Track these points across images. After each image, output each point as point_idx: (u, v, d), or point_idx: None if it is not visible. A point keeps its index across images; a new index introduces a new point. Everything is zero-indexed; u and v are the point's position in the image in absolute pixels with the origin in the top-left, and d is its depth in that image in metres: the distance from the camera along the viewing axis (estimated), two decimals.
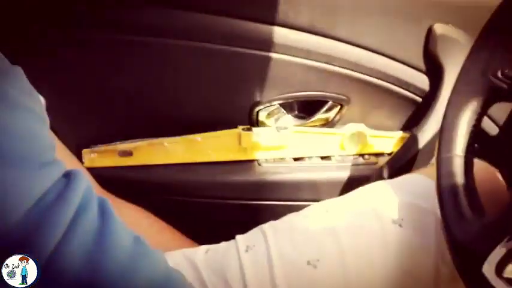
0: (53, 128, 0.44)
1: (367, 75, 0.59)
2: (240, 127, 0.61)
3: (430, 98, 0.60)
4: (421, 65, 0.59)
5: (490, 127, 0.60)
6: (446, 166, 0.39)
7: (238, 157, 0.62)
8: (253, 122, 0.62)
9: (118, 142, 0.61)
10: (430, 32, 0.57)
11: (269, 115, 0.62)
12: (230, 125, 0.61)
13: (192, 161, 0.62)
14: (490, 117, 0.59)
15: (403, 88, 0.60)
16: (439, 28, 0.56)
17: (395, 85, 0.60)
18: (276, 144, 0.62)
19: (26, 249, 0.24)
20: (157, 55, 0.55)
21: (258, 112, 0.61)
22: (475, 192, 0.36)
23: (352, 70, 0.59)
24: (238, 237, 0.46)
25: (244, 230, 0.50)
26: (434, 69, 0.58)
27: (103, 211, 0.28)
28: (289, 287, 0.40)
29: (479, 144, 0.59)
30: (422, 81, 0.60)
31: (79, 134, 0.61)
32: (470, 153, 0.39)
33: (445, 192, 0.38)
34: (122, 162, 0.61)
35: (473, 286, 0.31)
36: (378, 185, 0.48)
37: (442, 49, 0.56)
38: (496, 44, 0.39)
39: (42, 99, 0.42)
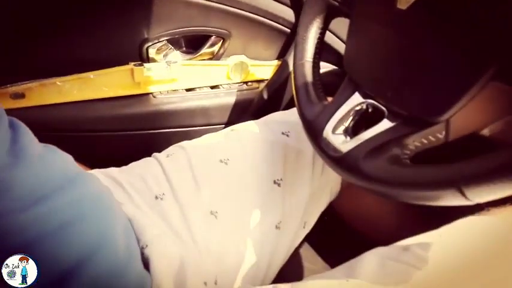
0: None
1: (244, 10, 0.67)
2: (132, 63, 0.65)
3: (295, 28, 0.70)
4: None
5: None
6: (299, 69, 0.49)
7: (132, 92, 0.67)
8: (144, 59, 0.67)
9: (8, 85, 0.61)
10: None
11: (158, 51, 0.67)
12: (122, 63, 0.65)
13: (86, 98, 0.65)
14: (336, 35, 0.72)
15: (274, 21, 0.70)
16: None
17: (268, 19, 0.69)
18: (168, 77, 0.68)
19: None
20: None
21: (147, 49, 0.66)
22: (320, 86, 0.48)
23: (230, 6, 0.66)
24: (155, 153, 0.53)
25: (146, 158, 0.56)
26: (296, 3, 0.69)
27: (13, 125, 0.33)
28: (208, 181, 0.49)
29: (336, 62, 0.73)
30: (289, 14, 0.70)
31: None
32: (317, 59, 0.50)
33: (299, 88, 0.48)
34: (15, 105, 0.62)
35: (317, 145, 0.42)
36: (271, 114, 0.61)
37: None
38: None
39: None
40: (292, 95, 0.71)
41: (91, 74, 0.63)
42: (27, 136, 0.33)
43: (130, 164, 0.54)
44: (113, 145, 0.67)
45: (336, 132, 0.41)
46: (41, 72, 0.62)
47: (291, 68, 0.69)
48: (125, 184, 0.48)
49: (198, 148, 0.54)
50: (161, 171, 0.50)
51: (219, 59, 0.72)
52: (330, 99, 0.47)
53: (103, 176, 0.50)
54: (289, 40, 0.72)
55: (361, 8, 0.43)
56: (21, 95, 0.62)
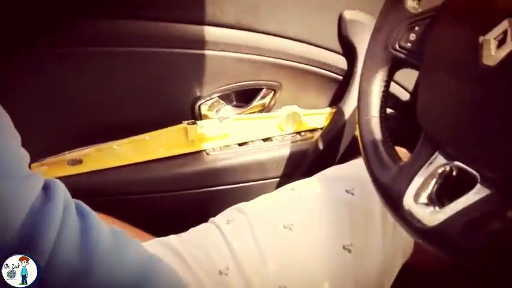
0: None
1: (294, 61, 0.66)
2: (185, 122, 0.65)
3: (348, 75, 0.68)
4: (338, 47, 0.67)
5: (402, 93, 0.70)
6: (366, 126, 0.46)
7: (186, 150, 0.66)
8: (196, 116, 0.67)
9: (66, 152, 0.62)
10: (341, 18, 0.65)
11: (210, 108, 0.67)
12: (175, 122, 0.65)
13: (142, 159, 0.65)
14: (401, 85, 0.69)
15: (326, 69, 0.68)
16: (348, 14, 0.65)
17: (319, 68, 0.68)
18: (220, 133, 0.67)
19: (28, 252, 0.26)
20: (98, 63, 0.58)
21: (199, 106, 0.66)
22: (391, 144, 0.44)
23: (280, 58, 0.65)
24: (212, 218, 0.51)
25: (202, 217, 0.55)
26: (348, 50, 0.67)
27: (80, 211, 0.32)
28: (274, 251, 0.46)
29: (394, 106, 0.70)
30: (340, 61, 0.68)
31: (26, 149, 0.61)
32: (384, 113, 0.47)
33: (368, 147, 0.45)
34: (73, 171, 0.63)
35: (398, 216, 0.39)
36: (330, 169, 0.57)
37: (352, 32, 0.65)
38: (391, 22, 0.47)
39: None
40: (350, 145, 0.69)
41: (146, 136, 0.63)
42: (97, 226, 0.31)
43: (189, 231, 0.52)
44: (167, 206, 0.66)
45: (420, 201, 0.37)
46: (98, 137, 0.62)
47: (346, 115, 0.67)
48: (186, 256, 0.46)
49: (258, 212, 0.51)
50: (223, 240, 0.47)
51: (270, 111, 0.71)
52: (401, 152, 0.43)
53: (163, 246, 0.48)
54: (341, 87, 0.70)
55: (435, 60, 0.40)
56: (78, 161, 0.63)
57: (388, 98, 0.47)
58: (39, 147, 0.61)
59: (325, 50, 0.67)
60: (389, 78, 0.47)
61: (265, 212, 0.51)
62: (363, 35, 0.65)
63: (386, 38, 0.47)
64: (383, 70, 0.47)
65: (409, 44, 0.44)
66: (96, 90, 0.60)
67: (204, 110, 0.66)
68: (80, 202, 0.34)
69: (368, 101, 0.47)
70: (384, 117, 0.46)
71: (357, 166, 0.56)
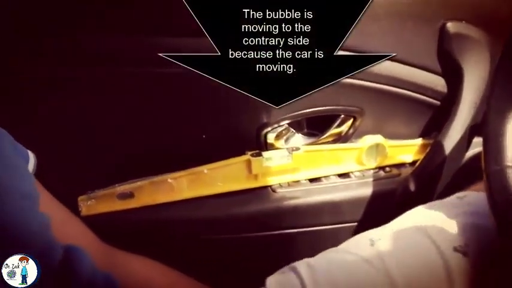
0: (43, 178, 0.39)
1: (379, 83, 0.55)
2: (249, 153, 0.56)
3: (449, 100, 0.56)
4: (436, 66, 0.55)
5: None
6: (498, 180, 0.34)
7: (249, 185, 0.57)
8: (261, 145, 0.57)
9: (116, 185, 0.55)
10: (443, 31, 0.53)
11: (278, 136, 0.58)
12: (237, 151, 0.56)
13: (199, 195, 0.56)
14: None
15: (419, 93, 0.56)
16: (452, 27, 0.52)
17: (411, 90, 0.56)
18: (289, 167, 0.57)
19: None
20: (151, 86, 0.51)
21: (266, 134, 0.57)
22: None
23: (362, 79, 0.55)
24: (270, 281, 0.41)
25: (264, 265, 0.44)
26: (451, 70, 0.54)
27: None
28: None
29: None
30: (438, 83, 0.56)
31: (72, 181, 0.55)
32: None
33: (503, 210, 0.33)
34: (123, 206, 0.56)
35: None
36: (428, 206, 0.44)
37: (458, 48, 0.53)
38: None
39: (31, 155, 0.37)
40: (448, 187, 0.56)
41: (205, 169, 0.55)
42: None
43: None
44: (225, 250, 0.57)
45: None
46: (151, 169, 0.55)
47: (447, 151, 0.54)
48: None
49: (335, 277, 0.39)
50: None
51: (347, 141, 0.60)
52: None
53: None
54: (438, 114, 0.57)
55: None
56: (129, 195, 0.55)
57: None
58: (88, 180, 0.55)
59: (418, 70, 0.56)
60: None
61: (329, 285, 0.38)
62: (470, 52, 0.53)
63: None
64: None
65: None
66: (150, 117, 0.53)
67: (270, 138, 0.57)
68: (109, 275, 0.29)
69: (501, 144, 0.35)
70: None
71: (469, 205, 0.42)
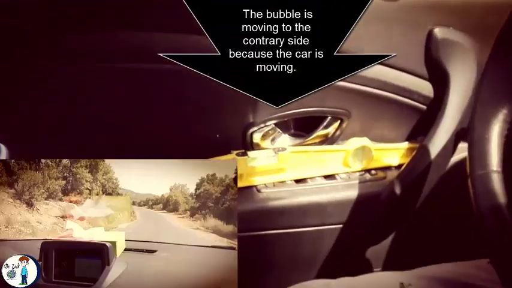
0: None
1: (367, 86, 0.55)
2: (234, 152, 0.55)
3: (435, 104, 0.56)
4: (423, 71, 0.55)
5: None
6: (482, 184, 0.34)
7: None
8: (247, 145, 0.57)
9: None
10: (430, 36, 0.53)
11: (264, 136, 0.57)
12: (223, 151, 0.56)
13: None
14: None
15: (406, 97, 0.56)
16: (439, 32, 0.53)
17: (398, 94, 0.56)
18: (275, 167, 0.57)
19: None
20: (136, 82, 0.50)
21: (252, 134, 0.56)
22: None
23: (351, 82, 0.55)
24: None
25: (248, 265, 0.46)
26: (438, 75, 0.55)
27: None
28: None
29: None
30: (425, 88, 0.56)
31: None
32: (509, 167, 0.34)
33: (487, 213, 0.33)
34: None
35: None
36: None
37: (444, 54, 0.53)
38: None
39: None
40: (433, 192, 0.56)
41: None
42: None
43: None
44: None
45: None
46: None
47: (432, 155, 0.54)
48: None
49: None
50: None
51: (333, 143, 0.60)
52: None
53: None
54: (425, 118, 0.58)
55: None
56: None
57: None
58: None
59: (405, 74, 0.56)
60: None
61: None
62: (457, 57, 0.53)
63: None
64: (506, 109, 0.35)
65: None
66: (132, 111, 0.52)
67: (256, 138, 0.57)
68: None
69: (485, 149, 0.35)
70: (509, 173, 0.34)
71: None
